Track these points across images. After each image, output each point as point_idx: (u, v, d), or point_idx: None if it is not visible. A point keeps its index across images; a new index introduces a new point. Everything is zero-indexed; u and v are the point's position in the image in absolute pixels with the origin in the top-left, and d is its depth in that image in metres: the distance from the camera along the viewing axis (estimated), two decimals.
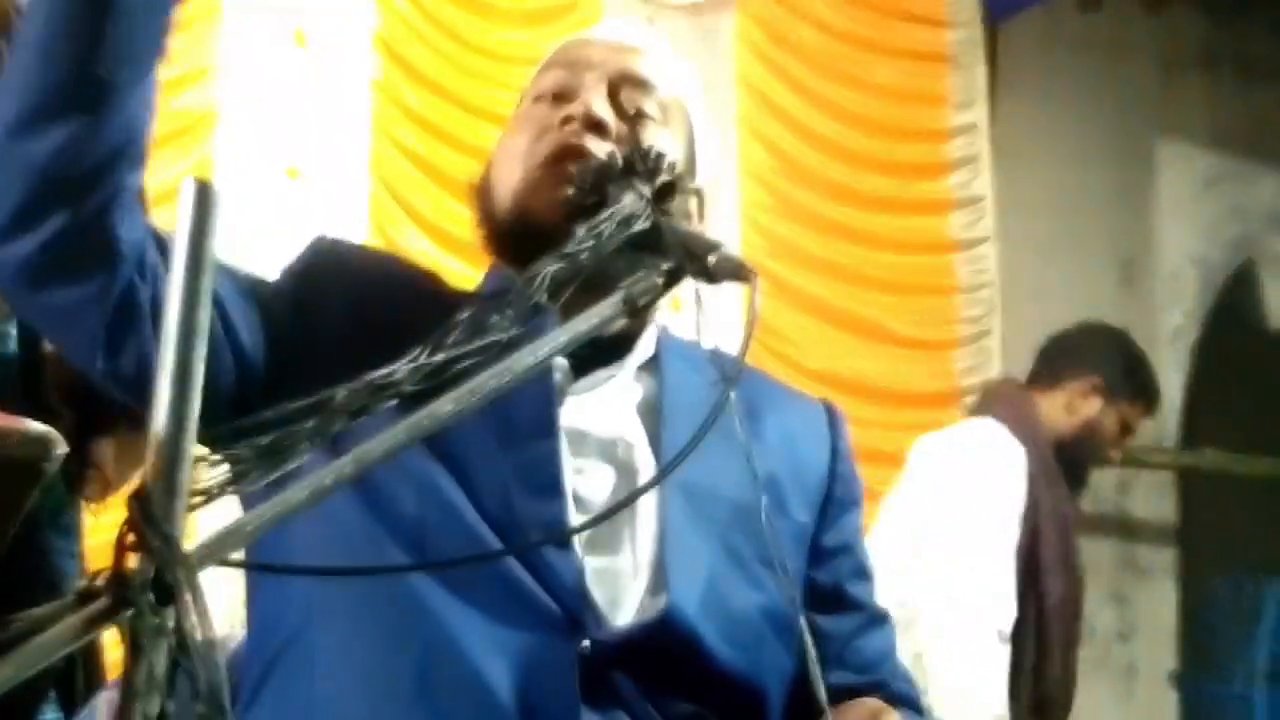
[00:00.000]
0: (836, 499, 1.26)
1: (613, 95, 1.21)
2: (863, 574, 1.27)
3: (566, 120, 1.19)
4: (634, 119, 1.21)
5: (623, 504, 1.10)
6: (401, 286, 1.23)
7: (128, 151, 1.01)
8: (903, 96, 4.24)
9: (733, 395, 0.94)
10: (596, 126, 1.18)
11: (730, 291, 1.01)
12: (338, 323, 1.15)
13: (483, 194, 1.24)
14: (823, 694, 0.98)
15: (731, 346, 0.96)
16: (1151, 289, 4.95)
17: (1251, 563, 4.73)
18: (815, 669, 0.97)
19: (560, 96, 1.22)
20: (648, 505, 1.14)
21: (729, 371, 0.95)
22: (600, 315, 0.94)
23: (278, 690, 1.10)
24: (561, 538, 1.09)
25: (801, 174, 4.11)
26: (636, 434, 1.18)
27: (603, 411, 1.18)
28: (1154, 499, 4.86)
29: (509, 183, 1.20)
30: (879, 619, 1.27)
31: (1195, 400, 4.94)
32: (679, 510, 1.13)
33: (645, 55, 1.25)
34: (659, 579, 1.11)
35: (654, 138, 1.20)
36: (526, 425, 1.13)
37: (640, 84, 1.23)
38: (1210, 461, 4.73)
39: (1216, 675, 4.74)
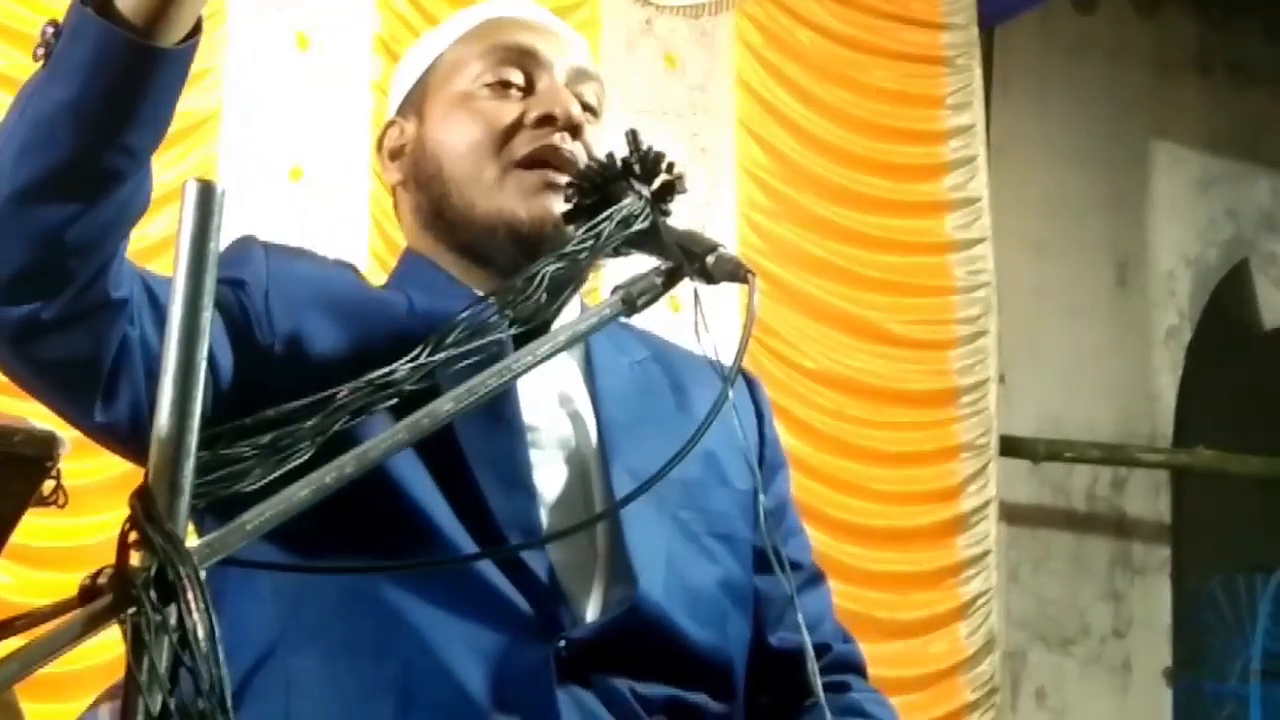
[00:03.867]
0: (768, 463, 1.29)
1: (569, 90, 1.22)
2: (796, 533, 1.30)
3: (544, 120, 1.19)
4: (586, 114, 1.22)
5: (620, 506, 1.09)
6: (344, 282, 1.22)
7: (132, 217, 0.98)
8: (899, 98, 4.23)
9: (731, 393, 0.94)
10: (574, 130, 1.19)
11: (728, 291, 1.02)
12: (305, 323, 1.13)
13: (430, 181, 1.22)
14: (820, 689, 0.98)
15: (729, 346, 0.97)
16: (1146, 289, 4.96)
17: (1245, 560, 4.74)
18: (813, 664, 0.97)
19: (510, 85, 1.22)
20: (601, 495, 1.15)
21: (726, 372, 0.94)
22: (600, 315, 0.94)
23: (252, 714, 1.08)
24: (543, 542, 1.10)
25: (799, 175, 4.10)
26: (586, 423, 1.19)
27: (551, 401, 1.19)
28: (1148, 497, 4.87)
29: (482, 180, 1.19)
30: (815, 578, 1.29)
31: (1189, 399, 4.94)
32: (625, 487, 1.12)
33: (578, 45, 1.27)
34: (621, 566, 1.12)
35: (600, 129, 1.22)
36: (491, 424, 1.13)
37: (586, 76, 1.24)
38: (1204, 460, 4.74)
39: (1211, 672, 4.75)
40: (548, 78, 1.22)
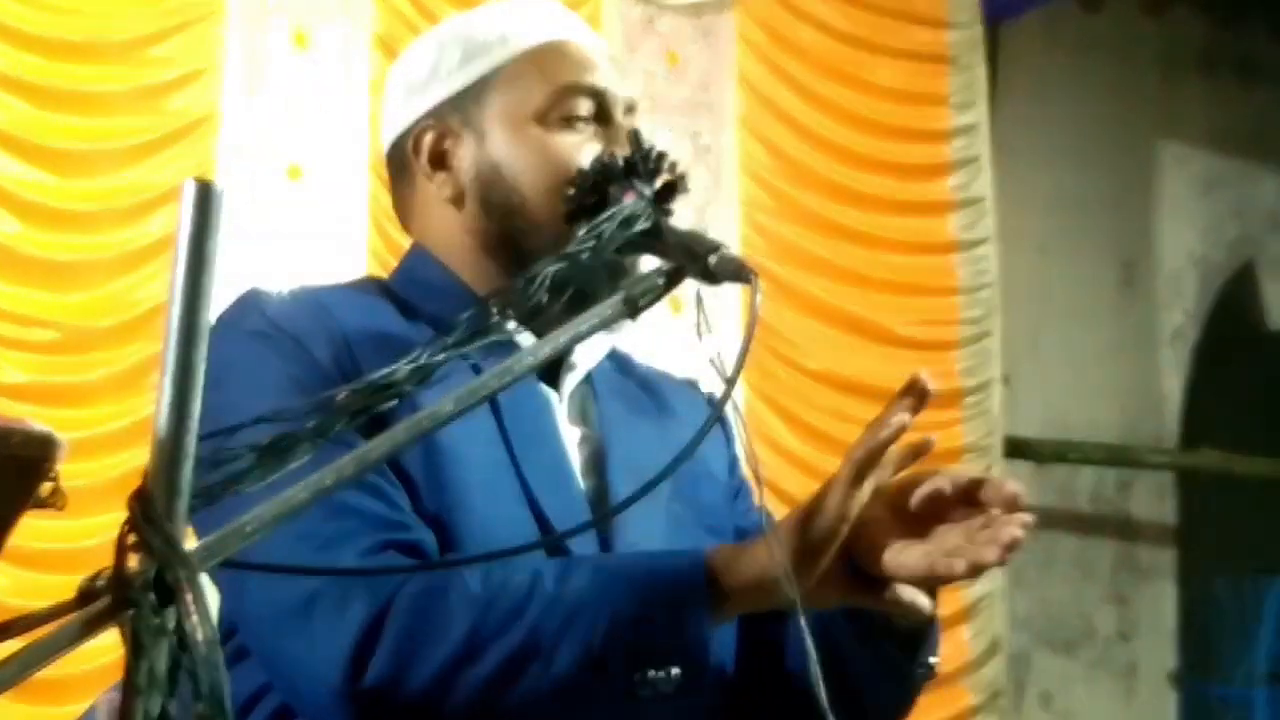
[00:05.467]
0: (736, 455, 1.34)
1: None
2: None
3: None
4: None
5: (636, 496, 1.06)
6: (389, 321, 1.20)
7: None
8: (903, 97, 4.24)
9: (733, 393, 0.94)
10: None
11: (730, 292, 1.02)
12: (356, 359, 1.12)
13: (510, 213, 1.21)
14: (823, 694, 0.98)
15: (732, 347, 0.96)
16: (1152, 289, 4.97)
17: (1251, 563, 4.75)
18: (815, 669, 0.96)
19: (582, 119, 1.22)
20: (607, 487, 1.18)
21: (727, 373, 0.94)
22: (601, 316, 0.94)
23: None
24: (545, 542, 1.11)
25: (802, 174, 4.11)
26: (592, 419, 1.22)
27: (569, 408, 1.22)
28: (1154, 499, 4.88)
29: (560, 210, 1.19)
30: None
31: (1195, 400, 4.96)
32: (627, 490, 1.12)
33: (625, 69, 1.30)
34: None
35: None
36: (537, 438, 1.16)
37: (634, 109, 1.26)
38: (1210, 461, 4.75)
39: (1216, 675, 4.76)
40: (616, 118, 1.23)
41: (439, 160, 1.24)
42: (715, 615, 1.02)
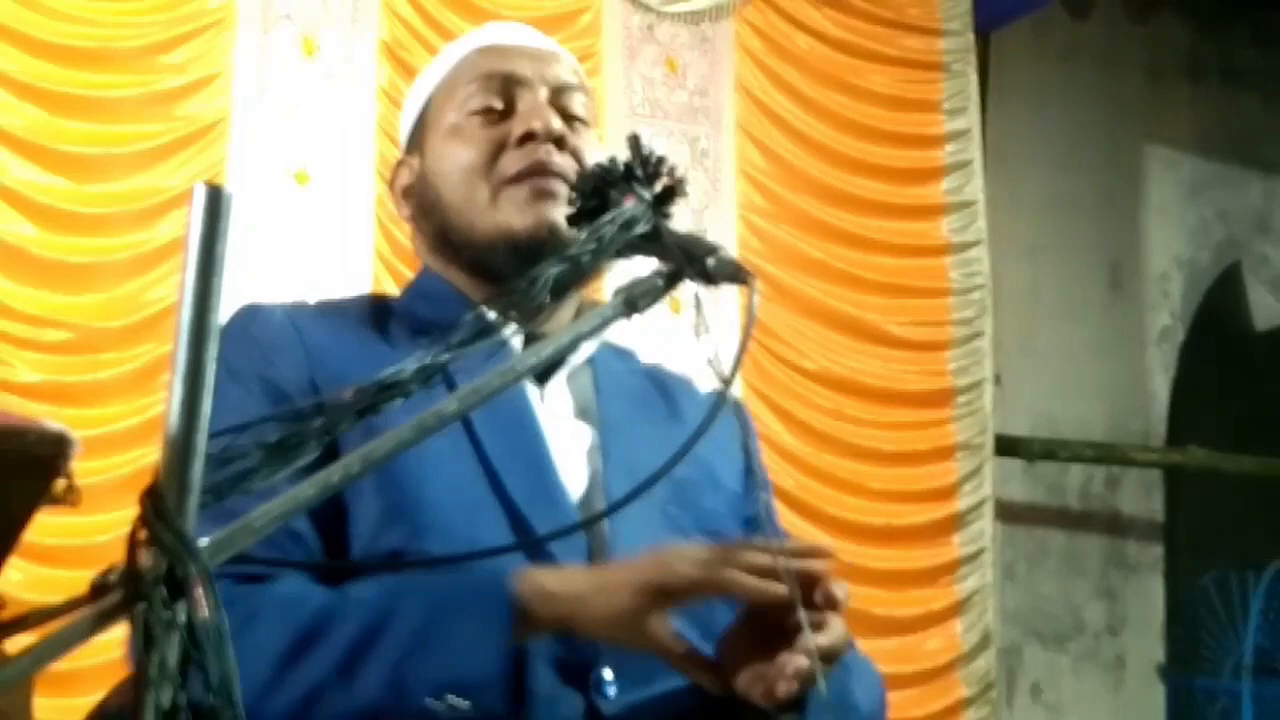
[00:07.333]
0: (750, 469, 1.32)
1: (552, 105, 1.25)
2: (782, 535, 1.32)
3: (527, 137, 1.22)
4: (573, 124, 1.26)
5: (630, 497, 1.05)
6: (371, 340, 1.21)
7: None
8: (897, 103, 4.27)
9: (730, 395, 0.97)
10: (559, 141, 1.23)
11: (728, 294, 1.03)
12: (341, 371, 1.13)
13: (431, 209, 1.25)
14: (822, 683, 0.99)
15: (729, 348, 0.98)
16: (1139, 291, 4.98)
17: (1237, 558, 4.76)
18: (818, 665, 0.97)
19: (496, 111, 1.25)
20: (596, 490, 1.17)
21: (725, 374, 0.95)
22: (602, 316, 0.95)
23: None
24: (538, 541, 1.11)
25: (797, 178, 4.14)
26: (594, 419, 1.21)
27: (565, 401, 1.22)
28: (1141, 496, 4.89)
29: (477, 201, 1.22)
30: None
31: (1182, 400, 4.97)
32: (623, 488, 1.11)
33: (561, 59, 1.31)
34: (609, 559, 1.13)
35: (588, 137, 1.27)
36: (513, 433, 1.16)
37: (569, 89, 1.27)
38: (1197, 459, 4.76)
39: (1203, 668, 4.78)
40: (529, 96, 1.25)
41: (408, 192, 1.30)
42: (517, 635, 1.02)
